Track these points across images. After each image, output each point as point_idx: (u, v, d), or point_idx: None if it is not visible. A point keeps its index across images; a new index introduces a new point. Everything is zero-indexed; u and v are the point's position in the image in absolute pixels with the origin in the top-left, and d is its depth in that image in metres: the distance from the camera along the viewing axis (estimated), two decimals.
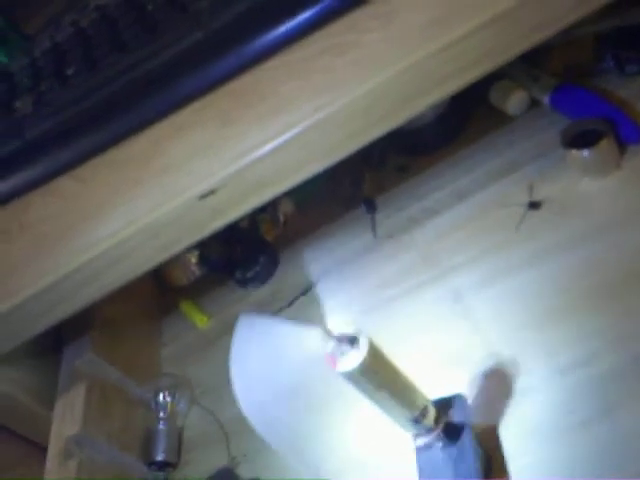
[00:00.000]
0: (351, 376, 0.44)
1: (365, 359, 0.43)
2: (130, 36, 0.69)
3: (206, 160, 0.58)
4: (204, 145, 0.59)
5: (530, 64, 0.76)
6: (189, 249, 0.84)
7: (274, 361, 0.45)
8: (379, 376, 0.45)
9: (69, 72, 0.71)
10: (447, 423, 0.52)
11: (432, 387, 0.56)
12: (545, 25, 0.54)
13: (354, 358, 0.44)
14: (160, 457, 0.71)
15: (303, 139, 0.55)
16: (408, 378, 0.50)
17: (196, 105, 0.62)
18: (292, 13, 0.60)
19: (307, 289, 0.75)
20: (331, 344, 0.44)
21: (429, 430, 0.51)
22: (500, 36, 0.54)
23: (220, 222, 0.59)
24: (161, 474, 0.70)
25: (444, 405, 0.53)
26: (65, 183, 0.66)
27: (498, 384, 0.59)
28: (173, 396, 0.74)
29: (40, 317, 0.63)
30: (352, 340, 0.44)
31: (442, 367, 0.63)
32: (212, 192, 0.57)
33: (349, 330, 0.44)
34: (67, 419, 0.67)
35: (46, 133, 0.68)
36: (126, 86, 0.65)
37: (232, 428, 0.70)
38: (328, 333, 0.43)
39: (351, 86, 0.54)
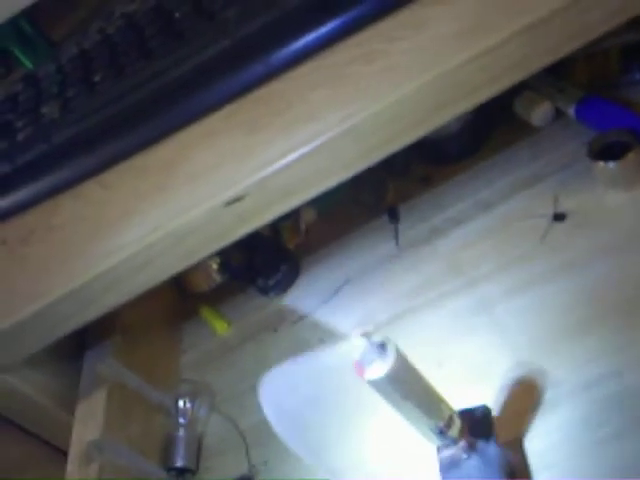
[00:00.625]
0: (378, 384, 0.44)
1: (393, 367, 0.43)
2: (157, 43, 0.69)
3: (232, 167, 0.58)
4: (231, 152, 0.59)
5: (555, 75, 0.76)
6: (211, 256, 0.84)
7: (303, 369, 0.45)
8: (406, 385, 0.45)
9: (96, 79, 0.72)
10: (472, 435, 0.52)
11: (457, 398, 0.56)
12: (576, 36, 0.54)
13: (382, 366, 0.43)
14: (179, 463, 0.71)
15: (330, 148, 0.55)
16: (433, 388, 0.49)
17: (223, 112, 0.62)
18: (320, 21, 0.60)
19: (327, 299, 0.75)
20: (359, 352, 0.44)
21: (454, 441, 0.51)
22: (530, 46, 0.54)
23: (245, 229, 0.60)
24: None
25: (469, 416, 0.53)
26: (91, 188, 0.66)
27: (524, 396, 0.59)
28: (193, 403, 0.74)
29: (65, 320, 0.63)
30: (380, 348, 0.44)
31: (467, 378, 0.62)
32: (238, 199, 0.57)
33: (377, 338, 0.44)
34: (88, 424, 0.68)
35: (72, 138, 0.69)
36: (152, 93, 0.66)
37: (252, 436, 0.70)
38: (357, 341, 0.43)
39: (379, 95, 0.54)
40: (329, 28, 0.60)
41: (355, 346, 0.43)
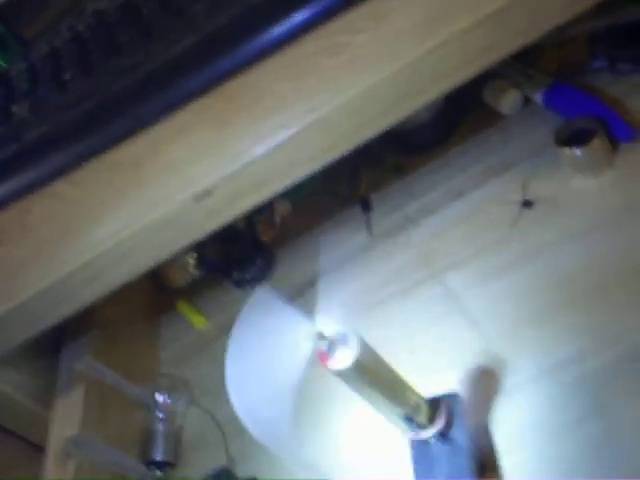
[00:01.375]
0: (342, 374, 0.44)
1: (356, 357, 0.44)
2: (126, 40, 0.69)
3: (202, 162, 0.58)
4: (200, 147, 0.59)
5: (524, 63, 0.76)
6: (187, 251, 0.85)
7: (267, 360, 0.45)
8: (370, 374, 0.46)
9: (66, 77, 0.72)
10: (441, 420, 0.52)
11: (428, 385, 0.57)
12: (538, 24, 0.55)
13: (345, 356, 0.44)
14: (159, 457, 0.71)
15: (297, 139, 0.55)
16: (400, 376, 0.50)
17: (192, 107, 0.63)
18: (286, 15, 0.60)
19: (303, 290, 0.75)
20: (323, 342, 0.44)
21: (422, 427, 0.51)
22: (493, 34, 0.54)
23: (216, 223, 0.60)
24: (160, 474, 0.70)
25: (438, 403, 0.53)
26: (63, 186, 0.66)
27: (492, 382, 0.59)
28: (172, 397, 0.75)
29: (41, 318, 0.63)
30: (343, 338, 0.44)
31: (437, 365, 0.63)
32: (208, 193, 0.57)
33: (340, 328, 0.45)
34: (65, 421, 0.68)
35: (43, 137, 0.69)
36: (122, 90, 0.66)
37: (230, 428, 0.71)
38: (319, 331, 0.44)
39: (345, 86, 0.55)
40: (294, 21, 0.60)
41: (318, 337, 0.44)
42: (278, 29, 0.61)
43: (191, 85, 0.63)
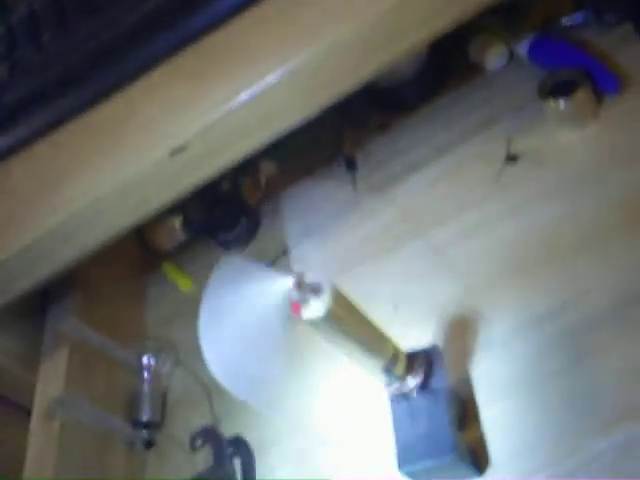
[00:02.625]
0: (316, 324, 0.44)
1: (329, 306, 0.43)
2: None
3: (176, 117, 0.58)
4: (174, 103, 0.59)
5: (509, 17, 0.75)
6: (172, 213, 0.84)
7: (241, 315, 0.45)
8: (345, 324, 0.45)
9: (44, 38, 0.71)
10: (421, 371, 0.52)
11: (409, 339, 0.56)
12: None
13: (318, 306, 0.43)
14: (145, 417, 0.71)
15: (270, 93, 0.55)
16: (378, 327, 0.50)
17: (168, 64, 0.62)
18: None
19: (286, 250, 0.75)
20: (296, 292, 0.44)
21: (401, 378, 0.51)
22: None
23: (193, 179, 0.59)
24: (146, 434, 0.71)
25: (417, 355, 0.53)
26: (43, 148, 0.66)
27: (473, 335, 0.59)
28: (157, 358, 0.75)
29: (20, 277, 0.63)
30: (317, 288, 0.44)
31: (420, 319, 0.63)
32: (182, 149, 0.57)
33: (314, 278, 0.44)
34: (50, 381, 0.68)
35: (22, 99, 0.68)
36: (97, 48, 0.65)
37: (215, 388, 0.70)
38: (293, 282, 0.43)
39: (317, 38, 0.54)
40: None
41: (291, 287, 0.43)
42: None
43: (166, 43, 0.63)
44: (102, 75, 0.65)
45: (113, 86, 0.64)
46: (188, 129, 0.56)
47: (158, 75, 0.62)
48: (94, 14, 0.68)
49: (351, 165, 0.78)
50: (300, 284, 0.44)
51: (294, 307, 0.44)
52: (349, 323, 0.46)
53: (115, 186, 0.58)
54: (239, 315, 0.44)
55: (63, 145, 0.64)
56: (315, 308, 0.43)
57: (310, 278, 0.44)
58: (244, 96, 0.55)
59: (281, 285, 0.44)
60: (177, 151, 0.57)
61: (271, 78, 0.54)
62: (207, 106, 0.56)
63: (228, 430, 0.68)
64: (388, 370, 0.50)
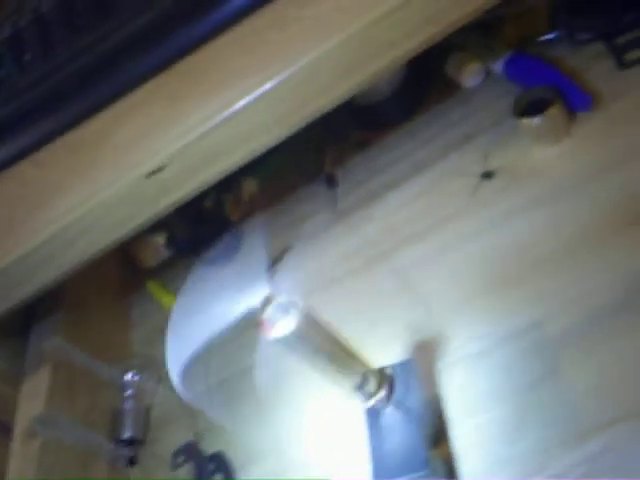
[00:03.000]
0: (285, 342, 0.45)
1: (298, 325, 0.44)
2: (85, 19, 0.69)
3: (154, 138, 0.59)
4: (153, 124, 0.60)
5: (485, 35, 0.76)
6: (156, 230, 0.85)
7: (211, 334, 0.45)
8: (314, 343, 0.46)
9: (27, 57, 0.72)
10: (393, 388, 0.53)
11: (387, 355, 0.57)
12: None
13: (287, 324, 0.44)
14: (127, 435, 0.72)
15: (245, 114, 0.56)
16: (348, 345, 0.50)
17: (148, 85, 0.63)
18: None
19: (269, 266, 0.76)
20: (266, 311, 0.44)
21: (373, 395, 0.52)
22: (439, 2, 0.54)
23: (170, 199, 0.60)
24: (128, 451, 0.71)
25: (391, 371, 0.54)
26: (26, 168, 0.67)
27: (449, 350, 0.60)
28: (140, 375, 0.75)
29: (1, 298, 0.64)
30: (286, 307, 0.45)
31: (397, 335, 0.63)
32: (159, 169, 0.58)
33: (283, 298, 0.45)
34: (32, 400, 0.68)
35: (5, 119, 0.69)
36: (80, 69, 0.66)
37: None
38: (261, 301, 0.44)
39: (290, 60, 0.55)
40: None
41: (261, 306, 0.44)
42: (229, 6, 0.61)
43: (147, 63, 0.64)
44: (83, 96, 0.66)
45: (94, 107, 0.65)
46: (165, 150, 0.57)
47: (137, 96, 0.63)
48: (76, 36, 0.69)
49: (332, 182, 0.79)
50: (269, 303, 0.44)
51: (264, 326, 0.44)
52: (318, 341, 0.46)
53: (94, 206, 0.59)
54: (207, 334, 0.44)
55: (45, 165, 0.65)
56: (283, 327, 0.44)
57: (279, 297, 0.45)
58: (220, 117, 0.56)
59: (250, 304, 0.44)
60: (154, 172, 0.57)
61: (247, 100, 0.55)
62: (184, 127, 0.57)
63: (210, 447, 0.68)
64: (360, 387, 0.50)
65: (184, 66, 0.61)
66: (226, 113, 0.56)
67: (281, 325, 0.44)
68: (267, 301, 0.45)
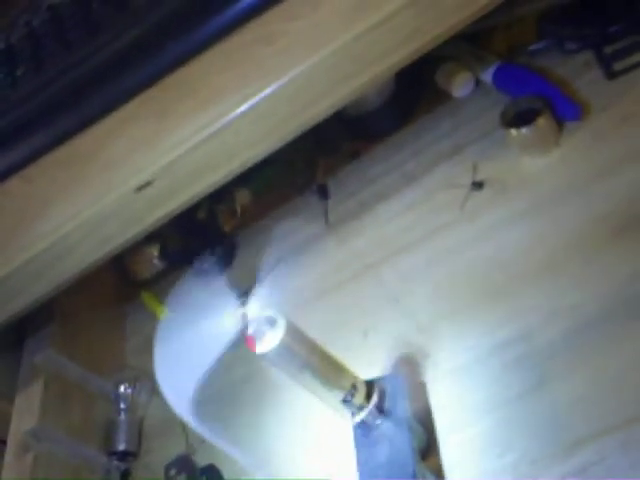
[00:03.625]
0: (270, 357, 0.45)
1: (282, 340, 0.44)
2: (75, 35, 0.70)
3: (142, 153, 0.59)
4: (141, 139, 0.60)
5: (474, 45, 0.77)
6: (150, 242, 0.85)
7: (198, 354, 0.46)
8: (299, 358, 0.46)
9: (19, 72, 0.72)
10: (381, 401, 0.53)
11: (379, 366, 0.57)
12: (465, 4, 0.55)
13: (271, 339, 0.44)
14: (121, 447, 0.72)
15: (232, 129, 0.56)
16: (334, 358, 0.50)
17: (136, 100, 0.63)
18: (224, 6, 0.61)
19: (250, 288, 0.76)
20: (250, 326, 0.45)
21: (361, 409, 0.52)
22: (421, 16, 0.54)
23: (159, 213, 0.60)
24: (122, 464, 0.71)
25: (379, 383, 0.54)
26: (15, 183, 0.67)
27: (437, 363, 0.60)
28: (133, 388, 0.76)
29: None
30: (270, 322, 0.45)
31: (387, 347, 0.63)
32: (148, 184, 0.58)
33: (268, 312, 0.45)
34: (25, 413, 0.69)
35: None
36: (69, 85, 0.67)
37: None
38: (246, 316, 0.44)
39: (277, 74, 0.55)
40: (233, 12, 0.61)
41: (245, 321, 0.44)
42: (217, 21, 0.61)
43: (135, 78, 0.64)
44: (73, 111, 0.66)
45: (83, 122, 0.66)
46: (153, 165, 0.57)
47: (126, 110, 0.63)
48: (65, 50, 0.69)
49: (323, 193, 0.79)
50: (254, 318, 0.44)
51: (249, 342, 0.45)
52: (303, 356, 0.47)
53: (83, 221, 0.59)
54: (195, 351, 0.45)
55: (36, 180, 0.66)
56: (268, 342, 0.44)
57: (264, 312, 0.45)
58: (209, 132, 0.56)
59: (236, 319, 0.45)
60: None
61: (232, 116, 0.55)
62: (171, 143, 0.57)
63: (202, 459, 0.68)
64: (347, 400, 0.51)
65: (172, 81, 0.62)
66: (214, 127, 0.56)
67: (266, 340, 0.44)
68: (252, 315, 0.45)
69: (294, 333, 0.46)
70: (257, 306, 0.45)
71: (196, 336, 0.44)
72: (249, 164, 0.59)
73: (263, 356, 0.45)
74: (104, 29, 0.67)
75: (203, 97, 0.58)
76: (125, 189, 0.58)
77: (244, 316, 0.44)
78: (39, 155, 0.67)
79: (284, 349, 0.45)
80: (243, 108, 0.55)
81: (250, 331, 0.45)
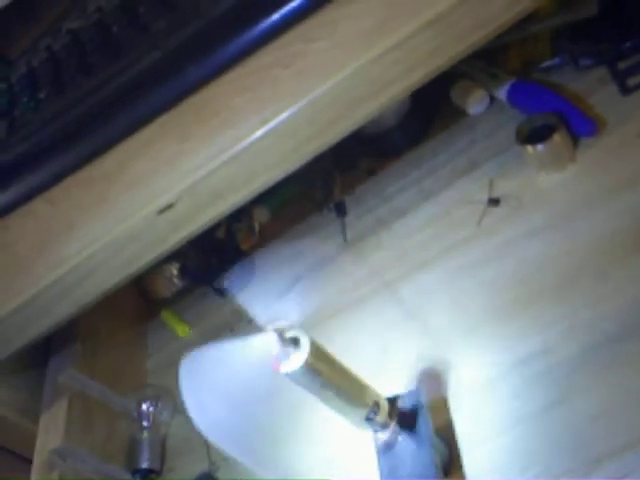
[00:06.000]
0: (294, 377, 0.46)
1: (307, 359, 0.45)
2: (96, 58, 0.71)
3: (164, 175, 0.60)
4: (163, 161, 0.61)
5: (488, 62, 0.77)
6: (170, 261, 0.86)
7: (226, 377, 0.46)
8: (323, 376, 0.47)
9: (41, 96, 0.74)
10: (403, 418, 0.53)
11: (400, 383, 0.58)
12: (482, 25, 0.55)
13: (296, 359, 0.45)
14: (144, 465, 0.72)
15: (252, 151, 0.57)
16: (357, 377, 0.51)
17: (158, 122, 0.64)
18: (243, 29, 0.62)
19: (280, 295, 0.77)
20: (276, 348, 0.45)
21: (384, 426, 0.52)
22: (439, 37, 0.55)
23: (181, 234, 0.61)
24: None
25: (401, 400, 0.55)
26: (39, 204, 0.68)
27: (458, 379, 0.60)
28: (156, 406, 0.76)
29: (16, 335, 0.65)
30: (295, 341, 0.46)
31: (408, 363, 0.64)
32: (170, 206, 0.59)
33: (292, 332, 0.46)
34: (50, 432, 0.69)
35: (19, 157, 0.70)
36: (91, 107, 0.68)
37: None
38: (271, 338, 0.45)
39: (295, 96, 0.56)
40: (252, 35, 0.62)
41: (270, 342, 0.45)
42: (236, 44, 0.62)
43: (155, 101, 0.65)
44: (95, 133, 0.67)
45: (106, 143, 0.67)
46: (175, 187, 0.58)
47: (148, 132, 0.64)
48: (87, 73, 0.70)
49: (341, 210, 0.80)
50: (279, 339, 0.45)
51: (275, 363, 0.45)
52: (327, 375, 0.47)
53: (108, 243, 0.60)
54: (222, 374, 0.45)
55: (59, 201, 0.67)
56: (292, 362, 0.45)
57: (289, 332, 0.46)
58: (225, 156, 0.57)
59: (262, 341, 0.45)
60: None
61: (251, 138, 0.56)
62: (192, 165, 0.58)
63: (225, 477, 0.69)
64: (370, 418, 0.51)
65: (193, 103, 0.63)
66: (234, 149, 0.57)
67: (290, 360, 0.45)
68: (277, 337, 0.46)
69: (318, 352, 0.46)
70: (280, 325, 0.45)
71: (226, 365, 0.45)
72: (269, 184, 0.60)
73: (288, 376, 0.45)
74: (125, 52, 0.69)
75: (223, 119, 0.59)
76: (148, 211, 0.59)
77: (270, 336, 0.45)
78: (62, 177, 0.68)
79: (308, 369, 0.45)
80: (263, 130, 0.56)
81: (274, 351, 0.45)
